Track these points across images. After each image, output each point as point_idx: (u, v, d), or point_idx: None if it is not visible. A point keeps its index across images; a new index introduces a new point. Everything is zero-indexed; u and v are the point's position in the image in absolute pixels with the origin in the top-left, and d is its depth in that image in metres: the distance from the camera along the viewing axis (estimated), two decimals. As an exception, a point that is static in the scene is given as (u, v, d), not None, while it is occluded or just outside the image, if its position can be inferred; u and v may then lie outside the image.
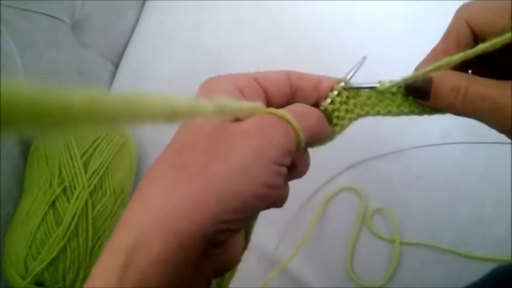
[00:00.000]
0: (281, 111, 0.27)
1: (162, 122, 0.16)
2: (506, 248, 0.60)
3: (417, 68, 0.31)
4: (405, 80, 0.30)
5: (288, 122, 0.26)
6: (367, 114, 0.33)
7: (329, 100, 0.32)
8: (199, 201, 0.24)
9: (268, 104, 0.30)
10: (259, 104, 0.27)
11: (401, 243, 0.63)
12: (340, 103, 0.32)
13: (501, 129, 0.27)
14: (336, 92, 0.32)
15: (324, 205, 0.66)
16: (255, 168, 0.25)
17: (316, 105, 0.32)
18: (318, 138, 0.30)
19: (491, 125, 0.28)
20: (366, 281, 0.63)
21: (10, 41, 0.64)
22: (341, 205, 0.67)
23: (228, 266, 0.28)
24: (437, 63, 0.27)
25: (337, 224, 0.66)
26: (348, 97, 0.32)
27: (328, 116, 0.31)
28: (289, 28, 0.79)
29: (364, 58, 0.33)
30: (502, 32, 0.25)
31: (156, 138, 0.75)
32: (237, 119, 0.27)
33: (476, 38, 0.29)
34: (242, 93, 0.28)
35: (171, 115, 0.16)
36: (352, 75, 0.33)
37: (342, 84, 0.32)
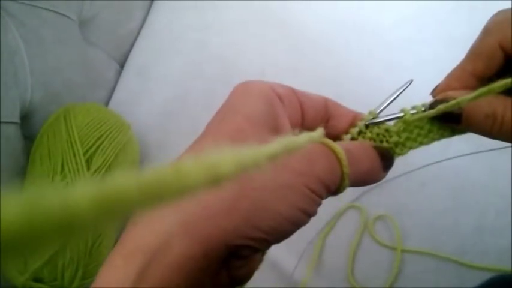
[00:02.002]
0: (338, 148, 0.25)
1: (204, 189, 0.14)
2: (507, 258, 0.60)
3: (438, 89, 0.30)
4: (437, 110, 0.28)
5: (339, 161, 0.25)
6: (398, 154, 0.31)
7: (357, 129, 0.30)
8: (232, 208, 0.23)
9: (302, 121, 0.28)
10: (319, 132, 0.25)
11: (403, 250, 0.63)
12: (370, 139, 0.30)
13: None
14: (357, 129, 0.30)
15: (332, 225, 0.66)
16: (294, 189, 0.24)
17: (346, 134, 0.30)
18: (364, 183, 0.28)
19: None
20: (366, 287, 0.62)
21: (17, 36, 0.64)
22: (343, 212, 0.67)
23: (245, 280, 0.27)
24: (475, 93, 0.25)
25: (339, 231, 0.66)
26: (378, 135, 0.30)
27: (389, 159, 0.29)
28: (295, 31, 0.79)
29: (410, 82, 0.31)
30: None
31: (159, 137, 0.75)
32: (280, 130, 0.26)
33: (510, 60, 0.28)
34: (281, 101, 0.27)
35: (215, 182, 0.13)
36: (389, 104, 0.31)
37: (370, 117, 0.30)
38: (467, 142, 0.67)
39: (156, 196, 0.11)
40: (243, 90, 0.27)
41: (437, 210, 0.65)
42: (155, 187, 0.11)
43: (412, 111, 0.30)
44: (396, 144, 0.30)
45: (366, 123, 0.30)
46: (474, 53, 0.29)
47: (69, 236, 0.09)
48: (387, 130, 0.30)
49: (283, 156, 0.18)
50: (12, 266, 0.57)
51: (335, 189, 0.26)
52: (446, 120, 0.29)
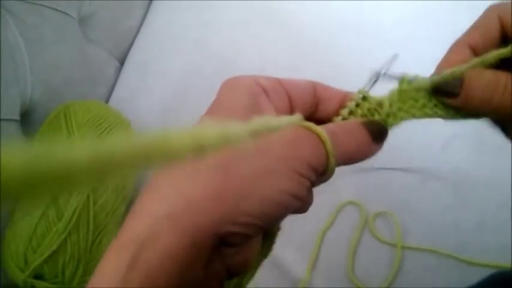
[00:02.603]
0: (319, 129, 0.25)
1: (189, 158, 0.15)
2: (508, 255, 0.60)
3: (438, 65, 0.30)
4: (433, 78, 0.28)
5: (323, 143, 0.25)
6: (391, 124, 0.30)
7: (347, 110, 0.30)
8: (217, 197, 0.23)
9: (290, 110, 0.28)
10: (298, 116, 0.26)
11: (403, 247, 0.63)
12: (362, 115, 0.30)
13: None
14: (354, 103, 0.30)
15: (332, 221, 0.66)
16: (279, 173, 0.24)
17: (337, 116, 0.30)
18: (356, 161, 0.28)
19: None
20: (366, 284, 0.62)
21: (17, 34, 0.64)
22: (343, 210, 0.67)
23: (241, 268, 0.27)
24: (470, 63, 0.26)
25: (339, 227, 0.66)
26: (369, 109, 0.30)
27: (380, 131, 0.29)
28: (295, 31, 0.79)
29: (394, 57, 0.31)
30: None
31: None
32: None
33: (505, 36, 0.28)
34: (266, 93, 0.27)
35: (199, 151, 0.14)
36: (377, 81, 0.31)
37: (361, 95, 0.30)
38: (467, 141, 0.67)
39: (144, 157, 0.12)
40: (228, 86, 0.28)
41: (437, 206, 0.65)
42: (144, 149, 0.12)
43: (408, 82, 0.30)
44: (388, 114, 0.30)
45: (365, 95, 0.30)
46: (472, 26, 0.29)
47: (68, 186, 0.10)
48: (379, 103, 0.30)
49: (264, 135, 0.19)
50: (12, 259, 0.57)
51: (323, 171, 0.26)
52: (443, 92, 0.28)
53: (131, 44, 0.84)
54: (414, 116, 0.30)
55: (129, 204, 0.68)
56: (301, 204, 0.26)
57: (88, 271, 0.59)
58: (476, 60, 0.25)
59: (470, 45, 0.29)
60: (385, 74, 0.31)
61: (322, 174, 0.26)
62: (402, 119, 0.30)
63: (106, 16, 0.79)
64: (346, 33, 0.78)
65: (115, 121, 0.66)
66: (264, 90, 0.27)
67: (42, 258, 0.55)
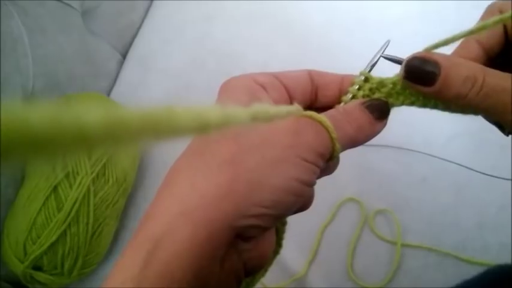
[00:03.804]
0: (319, 116, 0.26)
1: (192, 135, 0.15)
2: (508, 254, 0.59)
3: None
4: (402, 67, 0.28)
5: (326, 129, 0.25)
6: (392, 104, 0.30)
7: (350, 95, 0.30)
8: (229, 191, 0.23)
9: (290, 101, 0.29)
10: (297, 107, 0.26)
11: (403, 245, 0.63)
12: (364, 97, 0.30)
13: None
14: (356, 86, 0.30)
15: (332, 218, 0.66)
16: (286, 162, 0.24)
17: (339, 103, 0.30)
18: (361, 142, 0.28)
19: (505, 120, 0.26)
20: (365, 281, 0.62)
21: (20, 25, 0.64)
22: (343, 206, 0.66)
23: (258, 264, 0.27)
24: (451, 37, 0.26)
25: (339, 224, 0.66)
26: (371, 89, 0.30)
27: (381, 109, 0.28)
28: (299, 25, 0.79)
29: (388, 43, 0.31)
30: None
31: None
32: None
33: (506, 32, 0.28)
34: (265, 90, 0.27)
35: (202, 128, 0.15)
36: (375, 64, 0.31)
37: (362, 77, 0.30)
38: (468, 140, 0.66)
39: (151, 129, 0.12)
40: (226, 88, 0.28)
41: (438, 205, 0.65)
42: (151, 120, 0.12)
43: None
44: (390, 94, 0.30)
45: (366, 76, 0.30)
46: (478, 23, 0.29)
47: (79, 147, 0.10)
48: (381, 82, 0.30)
49: (264, 120, 0.19)
50: (12, 250, 0.57)
51: (330, 156, 0.26)
52: (418, 79, 0.27)
53: (134, 37, 0.84)
54: (413, 103, 0.30)
55: (130, 197, 0.68)
56: (309, 194, 0.27)
57: (87, 263, 0.59)
58: (459, 34, 0.26)
59: (479, 41, 0.29)
60: (384, 57, 0.31)
61: (329, 159, 0.26)
62: (403, 102, 0.30)
63: (109, 9, 0.79)
64: (350, 29, 0.77)
65: (116, 114, 0.66)
66: (262, 86, 0.27)
67: (41, 249, 0.55)
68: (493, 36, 0.29)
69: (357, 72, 0.31)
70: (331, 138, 0.26)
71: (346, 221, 0.66)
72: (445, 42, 0.27)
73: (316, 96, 0.30)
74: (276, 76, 0.28)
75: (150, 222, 0.24)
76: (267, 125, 0.25)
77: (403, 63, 0.28)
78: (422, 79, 0.27)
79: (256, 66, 0.76)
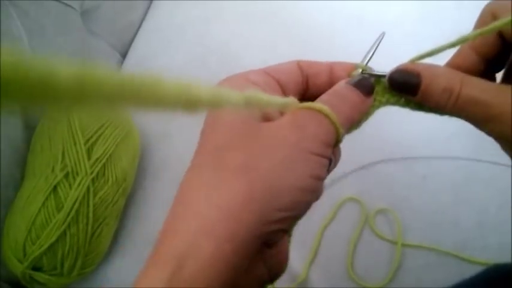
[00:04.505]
0: (318, 105, 0.26)
1: (179, 110, 0.14)
2: (508, 253, 0.59)
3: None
4: (391, 75, 0.29)
5: (327, 116, 0.25)
6: (387, 102, 0.30)
7: None
8: (248, 200, 0.23)
9: (283, 94, 0.29)
10: (292, 99, 0.26)
11: (403, 244, 0.63)
12: None
13: (494, 135, 0.27)
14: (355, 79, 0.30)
15: (332, 217, 0.65)
16: (297, 160, 0.24)
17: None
18: (358, 121, 0.29)
19: (484, 130, 0.27)
20: (366, 281, 0.62)
21: (20, 25, 0.64)
22: (344, 206, 0.66)
23: (281, 268, 0.27)
24: (436, 48, 0.27)
25: (339, 224, 0.66)
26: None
27: (365, 83, 0.29)
28: (299, 24, 0.79)
29: (383, 35, 0.32)
30: None
31: (159, 128, 0.75)
32: (267, 118, 0.26)
33: (503, 37, 0.28)
34: (259, 88, 0.27)
35: (190, 103, 0.14)
36: (370, 59, 0.31)
37: (359, 70, 0.30)
38: (468, 139, 0.66)
39: (132, 95, 0.11)
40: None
41: (438, 204, 0.64)
42: (133, 87, 0.11)
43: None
44: (376, 91, 0.30)
45: (364, 72, 0.30)
46: (474, 28, 0.29)
47: (45, 100, 0.09)
48: (379, 80, 0.30)
49: (258, 106, 0.19)
50: (11, 250, 0.57)
51: (335, 141, 0.27)
52: (402, 90, 0.29)
53: (133, 37, 0.84)
54: (397, 102, 0.30)
55: (129, 197, 0.68)
56: (322, 188, 0.27)
57: (87, 263, 0.59)
58: (431, 50, 0.27)
59: (473, 47, 0.29)
60: (374, 52, 0.31)
61: (334, 146, 0.27)
62: (388, 100, 0.30)
63: (109, 9, 0.79)
64: (349, 28, 0.77)
65: (116, 114, 0.66)
66: (256, 84, 0.27)
67: (41, 249, 0.55)
68: (487, 41, 0.29)
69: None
70: (334, 124, 0.26)
71: (346, 220, 0.66)
72: (430, 54, 0.28)
73: (307, 86, 0.30)
74: (267, 72, 0.28)
75: (171, 240, 0.23)
76: (269, 123, 0.25)
77: (387, 77, 0.29)
78: (405, 90, 0.28)
79: (256, 65, 0.76)
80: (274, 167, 0.23)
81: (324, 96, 0.28)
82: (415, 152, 0.67)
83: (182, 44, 0.81)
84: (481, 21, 0.29)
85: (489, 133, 0.27)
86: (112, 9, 0.79)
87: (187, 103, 0.14)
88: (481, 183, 0.65)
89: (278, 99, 0.25)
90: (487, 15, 0.28)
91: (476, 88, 0.26)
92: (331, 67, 0.31)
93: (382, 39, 0.32)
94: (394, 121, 0.67)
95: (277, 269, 0.26)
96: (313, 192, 0.25)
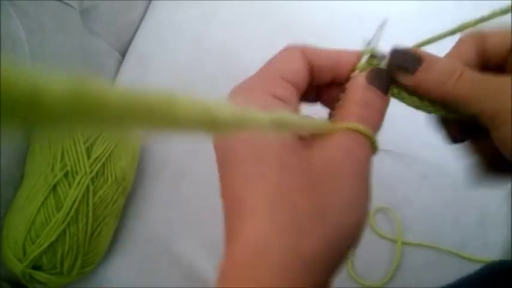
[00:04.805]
0: (364, 129, 0.25)
1: (197, 131, 0.12)
2: (508, 251, 0.59)
3: None
4: (393, 51, 0.28)
5: (370, 138, 0.25)
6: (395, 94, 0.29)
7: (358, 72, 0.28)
8: (326, 246, 0.22)
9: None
10: (323, 120, 0.25)
11: (404, 243, 0.63)
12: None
13: (488, 122, 0.25)
14: (358, 72, 0.28)
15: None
16: (361, 195, 0.24)
17: (334, 81, 0.29)
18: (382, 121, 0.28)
19: (471, 112, 0.26)
20: (366, 280, 0.62)
21: (19, 24, 0.63)
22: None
23: None
24: (433, 37, 0.27)
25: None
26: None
27: (383, 80, 0.28)
28: (298, 24, 0.79)
29: (385, 22, 0.31)
30: None
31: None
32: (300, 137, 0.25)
33: (486, 56, 0.28)
34: (284, 102, 0.26)
35: (210, 124, 0.12)
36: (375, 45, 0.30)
37: (364, 59, 0.29)
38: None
39: (138, 115, 0.10)
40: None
41: (438, 203, 0.64)
42: (140, 105, 0.10)
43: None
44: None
45: (370, 62, 0.29)
46: (449, 52, 0.30)
47: (35, 120, 0.08)
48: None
49: (288, 129, 0.17)
50: (11, 249, 0.56)
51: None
52: (401, 65, 0.28)
53: (132, 36, 0.84)
54: (392, 95, 0.29)
55: (129, 196, 0.68)
56: None
57: (86, 262, 0.59)
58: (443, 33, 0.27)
59: (480, 44, 0.29)
60: (377, 39, 0.30)
61: None
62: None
63: (108, 8, 0.79)
64: (349, 27, 0.77)
65: (116, 113, 0.65)
66: (278, 98, 0.26)
67: (41, 249, 0.55)
68: (502, 48, 0.28)
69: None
70: (372, 144, 0.26)
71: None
72: (430, 41, 0.28)
73: (313, 77, 0.29)
74: (284, 77, 0.27)
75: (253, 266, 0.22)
76: (318, 155, 0.24)
77: (390, 50, 0.28)
78: (405, 66, 0.28)
79: (256, 65, 0.76)
80: (344, 205, 0.23)
81: (352, 107, 0.26)
82: (416, 151, 0.67)
83: (181, 44, 0.81)
84: (462, 50, 0.29)
85: (485, 119, 0.26)
86: (111, 8, 0.79)
87: (207, 124, 0.12)
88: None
89: (310, 121, 0.24)
90: (471, 37, 0.29)
91: (478, 74, 0.26)
92: (337, 57, 0.29)
93: (384, 25, 0.31)
94: (394, 120, 0.67)
95: None
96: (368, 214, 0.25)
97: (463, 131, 0.30)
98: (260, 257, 0.21)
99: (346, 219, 0.23)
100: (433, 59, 0.27)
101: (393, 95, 0.29)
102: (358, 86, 0.27)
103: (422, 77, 0.27)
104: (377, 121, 0.27)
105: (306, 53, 0.28)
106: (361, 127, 0.25)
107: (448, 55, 0.30)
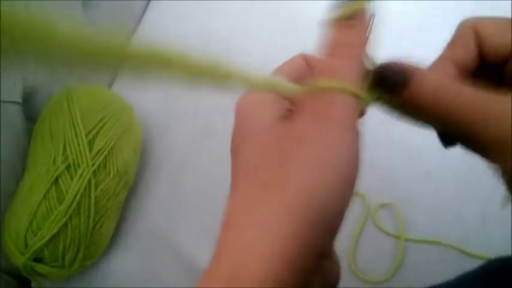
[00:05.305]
0: (342, 84, 0.23)
1: (204, 81, 0.13)
2: (510, 248, 0.59)
3: None
4: (379, 65, 0.26)
5: (345, 90, 0.23)
6: (377, 100, 0.27)
7: None
8: (307, 222, 0.21)
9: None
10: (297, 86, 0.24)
11: (406, 239, 0.62)
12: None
13: (486, 142, 0.24)
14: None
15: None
16: (345, 164, 0.22)
17: None
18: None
19: (476, 137, 0.24)
20: (368, 276, 0.62)
21: (20, 15, 0.63)
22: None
23: (337, 277, 0.26)
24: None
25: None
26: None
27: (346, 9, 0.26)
28: (301, 17, 0.78)
29: (375, 15, 0.29)
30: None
31: (161, 120, 0.75)
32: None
33: (482, 51, 0.27)
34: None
35: (218, 76, 0.13)
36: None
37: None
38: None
39: (148, 58, 0.11)
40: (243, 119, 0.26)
41: (441, 199, 0.64)
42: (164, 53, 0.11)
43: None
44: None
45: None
46: (451, 40, 0.28)
47: (48, 48, 0.09)
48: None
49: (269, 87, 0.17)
50: (12, 242, 0.56)
51: (360, 112, 0.26)
52: (388, 84, 0.25)
53: (135, 28, 0.83)
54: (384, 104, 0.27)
55: (131, 189, 0.68)
56: None
57: (88, 256, 0.59)
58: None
59: (453, 59, 0.27)
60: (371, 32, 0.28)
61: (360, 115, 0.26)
62: (377, 99, 0.27)
63: (111, 1, 0.78)
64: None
65: (118, 106, 0.65)
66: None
67: (42, 241, 0.55)
68: (468, 54, 0.27)
69: None
70: (355, 95, 0.23)
71: (348, 215, 0.65)
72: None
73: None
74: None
75: (236, 263, 0.22)
76: (303, 126, 0.23)
77: (375, 67, 0.26)
78: (391, 85, 0.25)
79: (257, 58, 0.76)
80: (327, 180, 0.22)
81: (321, 67, 0.25)
82: (418, 146, 0.67)
83: (184, 36, 0.81)
84: (464, 37, 0.27)
85: (480, 141, 0.24)
86: (113, 0, 0.79)
87: (215, 75, 0.13)
88: (483, 177, 0.64)
89: (294, 87, 0.24)
90: (468, 30, 0.27)
91: (476, 91, 0.24)
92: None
93: (375, 18, 0.29)
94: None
95: (334, 279, 0.25)
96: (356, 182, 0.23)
97: (453, 138, 0.28)
98: (254, 233, 0.22)
99: (335, 200, 0.22)
100: (425, 74, 0.25)
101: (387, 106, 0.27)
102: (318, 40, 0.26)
103: (412, 96, 0.25)
104: (352, 67, 0.24)
105: (307, 60, 0.29)
106: (337, 85, 0.23)
107: (441, 58, 0.28)
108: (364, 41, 0.26)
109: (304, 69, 0.28)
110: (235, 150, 0.25)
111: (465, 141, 0.26)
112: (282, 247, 0.21)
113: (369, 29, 0.27)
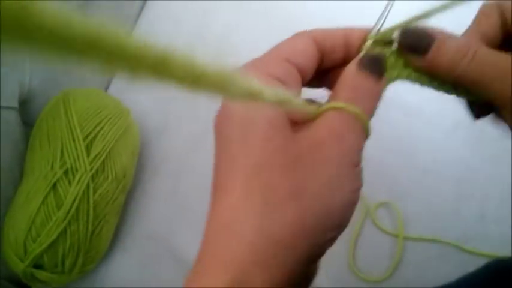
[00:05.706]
0: (356, 110, 0.24)
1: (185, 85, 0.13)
2: (509, 245, 0.59)
3: None
4: (403, 28, 0.27)
5: (360, 120, 0.24)
6: (398, 76, 0.28)
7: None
8: (301, 228, 0.22)
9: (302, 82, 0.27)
10: (316, 103, 0.25)
11: (405, 237, 0.63)
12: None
13: (502, 102, 0.25)
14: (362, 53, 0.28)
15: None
16: (343, 177, 0.23)
17: (345, 63, 0.28)
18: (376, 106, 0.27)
19: (493, 96, 0.25)
20: (367, 274, 0.62)
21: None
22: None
23: (315, 275, 0.26)
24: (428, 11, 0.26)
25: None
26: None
27: (378, 65, 0.27)
28: (299, 16, 0.78)
29: (392, 3, 0.30)
30: None
31: (158, 123, 0.75)
32: (292, 118, 0.25)
33: (505, 27, 0.27)
34: (283, 84, 0.25)
35: (197, 80, 0.13)
36: (380, 27, 0.29)
37: (370, 41, 0.28)
38: (469, 132, 0.66)
39: (150, 63, 0.11)
40: (229, 127, 0.26)
41: (439, 197, 0.64)
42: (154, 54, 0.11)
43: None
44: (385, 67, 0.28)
45: (376, 39, 0.28)
46: (476, 17, 0.29)
47: (55, 46, 0.09)
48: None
49: (286, 106, 0.17)
50: (12, 249, 0.56)
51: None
52: (412, 46, 0.27)
53: (132, 29, 0.83)
54: (407, 77, 0.28)
55: (129, 193, 0.68)
56: None
57: (88, 261, 0.59)
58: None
59: (482, 33, 0.28)
60: (384, 20, 0.30)
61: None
62: (397, 76, 0.28)
63: (105, 2, 0.78)
64: (350, 17, 0.76)
65: (115, 109, 0.65)
66: (279, 80, 0.25)
67: (41, 247, 0.55)
68: (493, 28, 0.28)
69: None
70: (365, 127, 0.25)
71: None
72: (426, 15, 0.27)
73: (323, 61, 0.28)
74: (286, 59, 0.26)
75: (216, 268, 0.22)
76: (305, 136, 0.23)
77: (400, 30, 0.28)
78: (416, 47, 0.27)
79: (254, 55, 0.75)
80: (322, 188, 0.22)
81: (342, 92, 0.25)
82: (416, 144, 0.67)
83: (179, 37, 0.80)
84: (485, 11, 0.28)
85: (498, 98, 0.25)
86: (109, 2, 0.78)
87: (195, 79, 0.13)
88: (482, 175, 0.64)
89: (297, 100, 0.23)
90: (493, 7, 0.28)
91: (491, 51, 0.25)
92: (346, 38, 0.29)
93: (391, 6, 0.30)
94: (394, 115, 0.67)
95: (312, 278, 0.26)
96: (354, 204, 0.24)
97: (484, 107, 0.29)
98: (232, 237, 0.22)
99: (323, 202, 0.22)
100: (445, 38, 0.26)
101: (392, 79, 0.28)
102: (349, 70, 0.26)
103: (433, 58, 0.26)
104: (368, 105, 0.25)
105: (315, 36, 0.28)
106: (346, 106, 0.24)
107: (468, 31, 0.29)
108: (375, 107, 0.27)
109: (313, 53, 0.27)
110: (229, 137, 0.25)
111: (490, 107, 0.27)
112: (286, 258, 0.22)
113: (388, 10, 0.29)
